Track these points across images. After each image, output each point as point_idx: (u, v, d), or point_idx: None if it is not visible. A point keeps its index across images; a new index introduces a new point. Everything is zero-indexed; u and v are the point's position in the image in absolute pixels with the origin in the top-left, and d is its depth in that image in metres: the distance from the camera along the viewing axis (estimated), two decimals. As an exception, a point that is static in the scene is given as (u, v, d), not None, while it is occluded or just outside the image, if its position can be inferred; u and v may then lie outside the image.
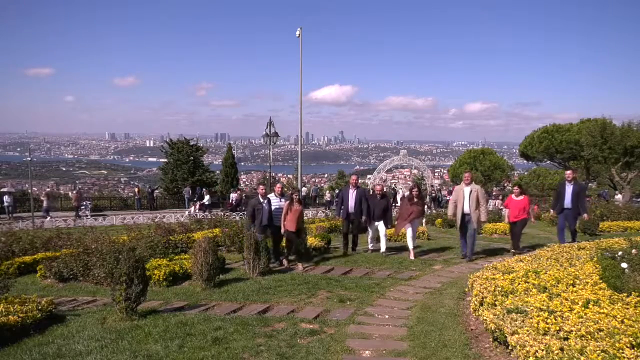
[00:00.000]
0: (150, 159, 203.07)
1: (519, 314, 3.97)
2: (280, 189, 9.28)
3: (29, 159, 27.91)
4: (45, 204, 24.48)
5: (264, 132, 24.44)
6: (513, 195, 9.96)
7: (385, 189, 11.65)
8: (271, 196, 9.06)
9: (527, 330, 3.60)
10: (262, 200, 8.80)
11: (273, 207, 8.81)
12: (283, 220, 8.60)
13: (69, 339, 4.77)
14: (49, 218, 22.28)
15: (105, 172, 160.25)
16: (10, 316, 4.92)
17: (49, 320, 5.46)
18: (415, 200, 9.58)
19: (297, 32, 21.43)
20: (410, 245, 9.50)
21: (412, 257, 9.30)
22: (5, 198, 24.21)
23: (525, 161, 40.54)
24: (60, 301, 6.85)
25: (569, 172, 10.26)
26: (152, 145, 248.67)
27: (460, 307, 5.72)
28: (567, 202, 9.89)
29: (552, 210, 11.50)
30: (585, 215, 10.16)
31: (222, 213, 20.92)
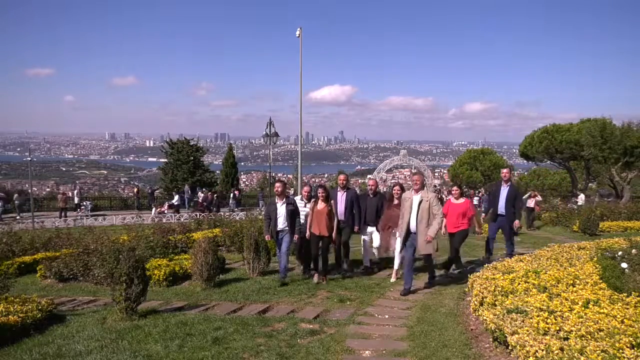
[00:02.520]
0: (150, 159, 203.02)
1: (519, 314, 3.97)
2: (307, 193, 7.87)
3: (29, 159, 27.87)
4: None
5: (264, 132, 24.46)
6: (452, 198, 7.99)
7: (379, 187, 10.81)
8: (297, 199, 7.91)
9: (527, 330, 3.60)
10: (277, 201, 7.42)
11: (301, 213, 7.57)
12: (307, 224, 7.43)
13: (69, 339, 4.77)
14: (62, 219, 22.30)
15: (105, 172, 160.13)
16: (10, 316, 4.92)
17: (49, 320, 5.47)
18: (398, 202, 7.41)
19: (297, 32, 21.42)
20: (396, 261, 7.49)
21: (393, 278, 7.42)
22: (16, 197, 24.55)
23: (525, 161, 40.50)
24: (61, 301, 6.85)
25: (505, 170, 8.47)
26: (152, 145, 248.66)
27: (460, 307, 5.72)
28: (502, 207, 8.23)
29: (483, 215, 10.27)
30: (517, 222, 8.27)
31: (194, 214, 20.74)
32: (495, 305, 4.40)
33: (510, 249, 8.39)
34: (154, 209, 24.82)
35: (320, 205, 7.33)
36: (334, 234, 7.37)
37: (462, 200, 7.86)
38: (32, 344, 4.68)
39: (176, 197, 26.14)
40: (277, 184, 7.61)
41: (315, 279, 7.35)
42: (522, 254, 7.64)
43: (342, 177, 8.31)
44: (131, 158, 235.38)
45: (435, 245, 6.48)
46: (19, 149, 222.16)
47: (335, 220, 7.37)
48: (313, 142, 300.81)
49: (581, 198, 21.76)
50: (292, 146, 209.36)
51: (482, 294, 4.83)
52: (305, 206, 7.71)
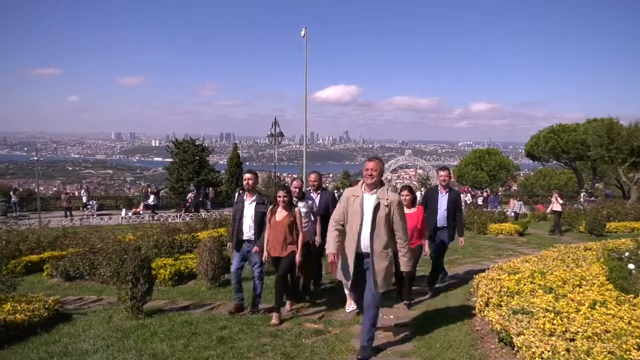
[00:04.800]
0: (156, 159, 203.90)
1: (524, 315, 3.95)
2: (298, 189, 6.15)
3: (36, 158, 28.10)
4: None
5: (269, 132, 24.49)
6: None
7: None
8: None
9: (533, 331, 3.58)
10: (245, 199, 5.69)
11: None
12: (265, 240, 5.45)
13: (76, 338, 4.80)
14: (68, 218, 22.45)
15: (112, 171, 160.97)
16: (17, 315, 4.96)
17: (56, 318, 5.50)
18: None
19: (302, 32, 21.43)
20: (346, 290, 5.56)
21: (348, 307, 5.57)
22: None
23: (531, 161, 40.39)
24: (67, 300, 6.89)
25: (443, 172, 6.82)
26: (157, 145, 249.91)
27: (465, 308, 5.71)
28: (441, 217, 6.52)
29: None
30: (461, 239, 6.75)
31: (175, 214, 20.69)
32: (501, 306, 4.38)
33: (435, 272, 6.75)
34: (124, 210, 24.57)
35: (280, 214, 5.38)
36: (297, 256, 5.36)
37: (414, 209, 5.89)
38: (38, 342, 4.71)
39: (151, 197, 26.06)
40: (247, 175, 5.67)
41: (274, 319, 5.20)
42: (528, 254, 7.60)
43: (312, 176, 6.44)
44: (137, 158, 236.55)
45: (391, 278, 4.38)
46: (26, 149, 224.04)
47: (302, 235, 5.40)
48: (318, 142, 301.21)
49: (583, 196, 21.07)
50: (297, 146, 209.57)
51: (488, 295, 4.81)
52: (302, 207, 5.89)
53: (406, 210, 5.47)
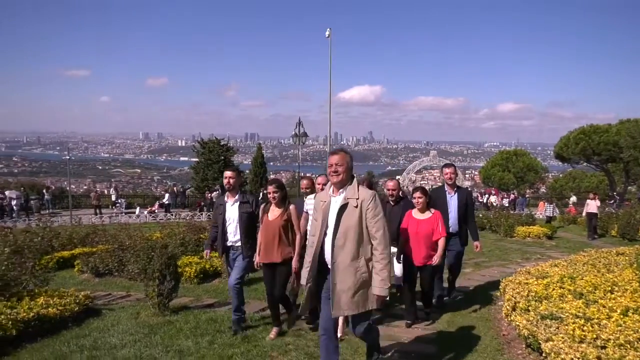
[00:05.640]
0: (182, 159, 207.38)
1: (553, 321, 3.86)
2: (306, 188, 5.25)
3: (68, 157, 28.97)
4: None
5: (293, 132, 24.62)
6: (414, 211, 5.15)
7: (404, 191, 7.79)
8: (309, 200, 5.00)
9: (562, 338, 3.50)
10: (227, 200, 4.96)
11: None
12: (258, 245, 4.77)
13: (104, 332, 4.92)
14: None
15: (139, 170, 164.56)
16: (50, 309, 5.12)
17: (86, 313, 5.65)
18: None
19: (327, 33, 21.47)
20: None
21: (340, 332, 4.28)
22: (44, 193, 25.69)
23: (560, 163, 39.39)
24: (96, 295, 7.07)
25: (449, 169, 5.82)
26: (184, 144, 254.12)
27: (491, 312, 5.61)
28: (452, 222, 5.66)
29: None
30: (477, 243, 5.83)
31: (190, 214, 20.89)
32: (529, 311, 4.29)
33: (440, 290, 5.78)
34: (138, 208, 25.17)
35: (273, 213, 4.72)
36: (294, 261, 4.63)
37: (428, 213, 5.06)
38: (69, 336, 4.86)
39: (166, 196, 26.66)
40: (227, 173, 4.89)
41: (272, 334, 4.72)
42: (557, 258, 7.42)
43: (304, 182, 5.39)
44: (164, 157, 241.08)
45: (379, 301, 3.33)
46: (58, 148, 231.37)
47: (299, 236, 4.71)
48: (342, 142, 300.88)
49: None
50: (321, 146, 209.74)
51: (515, 299, 4.72)
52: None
53: (419, 216, 5.09)
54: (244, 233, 4.82)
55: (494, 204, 26.71)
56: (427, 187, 6.26)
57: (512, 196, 31.18)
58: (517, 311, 4.47)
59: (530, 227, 14.39)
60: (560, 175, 53.89)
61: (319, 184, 5.18)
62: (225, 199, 4.97)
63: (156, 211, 24.30)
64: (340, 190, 3.37)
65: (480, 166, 64.49)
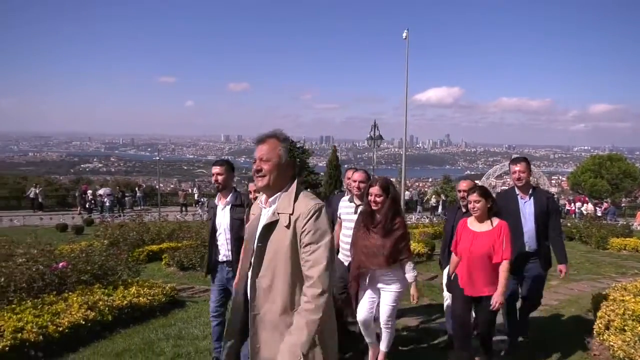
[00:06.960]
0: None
1: (654, 344, 3.50)
2: (358, 189, 3.95)
3: (158, 158, 31.24)
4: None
5: (368, 135, 24.52)
6: (469, 220, 3.77)
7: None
8: (344, 200, 4.21)
9: (665, 363, 3.16)
10: (217, 203, 3.83)
11: (344, 230, 4.07)
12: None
13: (188, 323, 5.23)
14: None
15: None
16: (140, 298, 5.54)
17: (172, 304, 6.04)
18: (380, 221, 3.58)
19: (404, 34, 21.16)
20: (382, 345, 3.74)
21: None
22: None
23: (663, 169, 35.55)
24: (181, 288, 7.52)
25: (518, 166, 4.22)
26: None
27: (579, 329, 5.20)
28: (529, 237, 4.16)
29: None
30: (562, 267, 4.25)
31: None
32: (625, 331, 3.93)
33: (514, 328, 4.44)
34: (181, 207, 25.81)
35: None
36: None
37: (489, 225, 3.65)
38: (157, 325, 5.22)
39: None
40: (215, 169, 3.76)
41: None
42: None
43: (356, 175, 4.10)
44: (243, 159, 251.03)
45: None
46: (149, 149, 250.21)
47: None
48: (417, 145, 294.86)
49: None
50: (396, 149, 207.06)
51: (609, 317, 4.34)
52: (353, 213, 3.96)
53: (476, 227, 3.69)
54: (236, 244, 3.52)
55: (585, 213, 24.69)
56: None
57: (605, 205, 28.66)
58: (611, 330, 4.11)
59: (627, 238, 13.14)
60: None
61: (352, 183, 4.06)
62: (216, 201, 3.86)
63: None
64: (272, 197, 2.29)
65: (569, 172, 60.01)
